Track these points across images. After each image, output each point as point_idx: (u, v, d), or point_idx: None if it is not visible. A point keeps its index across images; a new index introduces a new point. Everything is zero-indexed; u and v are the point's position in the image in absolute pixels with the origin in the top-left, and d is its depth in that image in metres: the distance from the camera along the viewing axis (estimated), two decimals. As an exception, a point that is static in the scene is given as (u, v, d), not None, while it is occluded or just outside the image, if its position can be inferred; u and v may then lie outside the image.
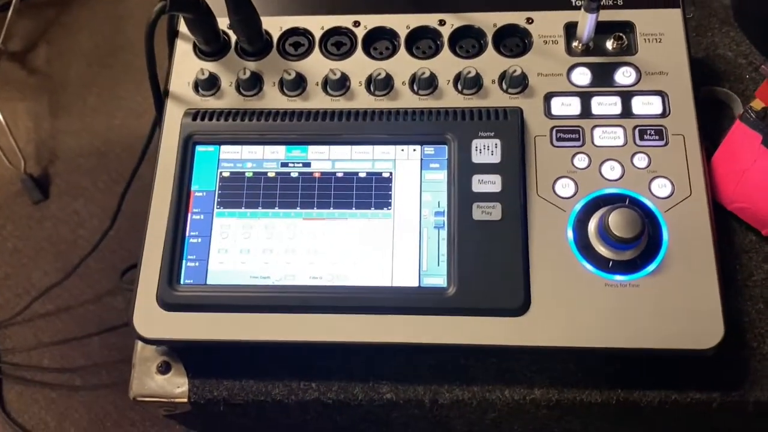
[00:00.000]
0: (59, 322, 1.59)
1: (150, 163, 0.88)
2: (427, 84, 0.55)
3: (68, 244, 1.67)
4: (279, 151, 0.54)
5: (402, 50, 0.58)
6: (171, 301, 0.51)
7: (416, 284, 0.50)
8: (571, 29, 0.57)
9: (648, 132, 0.53)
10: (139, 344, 0.54)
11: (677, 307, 0.48)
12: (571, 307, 0.49)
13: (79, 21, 1.97)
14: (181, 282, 0.51)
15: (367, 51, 0.58)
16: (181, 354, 0.53)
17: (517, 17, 0.57)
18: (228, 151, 0.54)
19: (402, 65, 0.57)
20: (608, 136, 0.53)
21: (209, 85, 0.57)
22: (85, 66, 1.89)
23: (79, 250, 1.65)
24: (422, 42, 0.58)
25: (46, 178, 1.75)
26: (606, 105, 0.54)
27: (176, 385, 0.52)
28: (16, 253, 1.68)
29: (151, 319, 0.51)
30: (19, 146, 1.73)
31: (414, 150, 0.53)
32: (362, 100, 0.56)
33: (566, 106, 0.54)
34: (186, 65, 0.58)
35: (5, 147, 1.72)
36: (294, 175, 0.53)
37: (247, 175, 0.54)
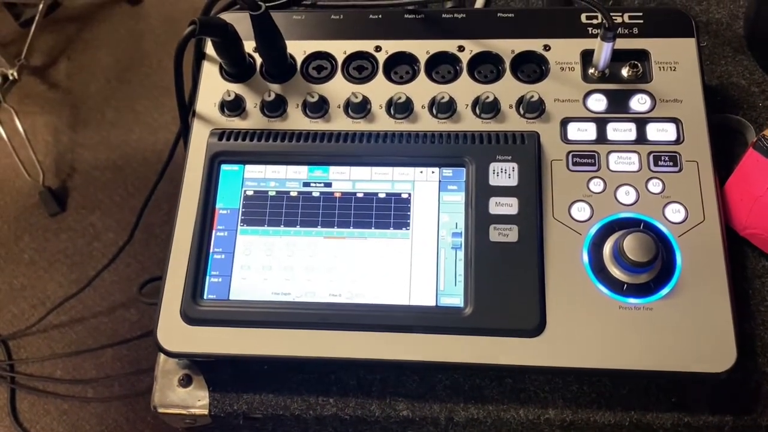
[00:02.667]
0: (73, 334, 1.61)
1: (165, 179, 0.90)
2: (446, 108, 0.57)
3: (83, 256, 1.69)
4: (301, 171, 0.56)
5: (422, 75, 0.59)
6: (194, 315, 0.52)
7: (433, 303, 0.51)
8: (587, 57, 0.58)
9: (662, 158, 0.54)
10: (162, 357, 0.55)
11: (690, 331, 0.49)
12: (586, 329, 0.49)
13: (99, 37, 2.01)
14: (205, 297, 0.53)
15: (387, 75, 0.60)
16: (203, 367, 0.55)
17: (534, 44, 0.59)
18: (252, 171, 0.56)
19: (422, 89, 0.58)
20: (623, 162, 0.54)
21: (235, 106, 0.58)
22: (104, 81, 1.93)
23: (94, 263, 1.67)
24: (441, 67, 0.60)
25: (64, 191, 1.78)
26: (621, 131, 0.55)
27: (197, 398, 0.54)
28: (32, 264, 1.70)
29: (174, 333, 0.52)
30: (38, 159, 1.76)
31: (432, 172, 0.55)
32: (383, 122, 0.57)
33: (582, 132, 0.55)
34: (212, 86, 0.60)
35: (25, 160, 1.75)
36: (315, 194, 0.55)
37: (270, 193, 0.55)
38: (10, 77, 1.82)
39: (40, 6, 1.87)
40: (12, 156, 1.75)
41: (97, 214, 1.74)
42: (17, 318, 1.64)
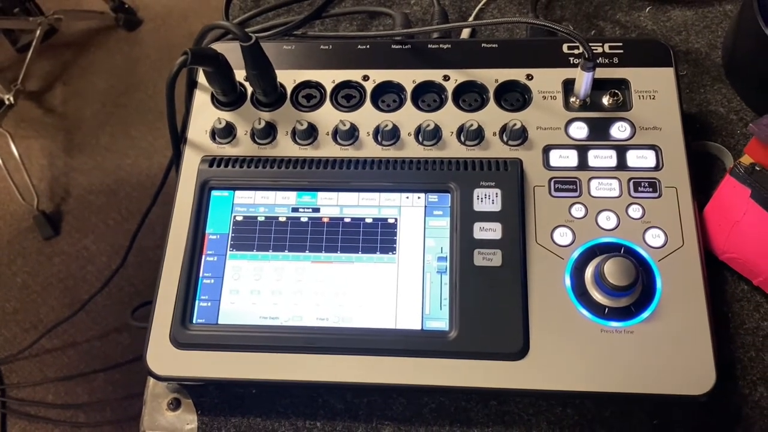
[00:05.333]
0: (65, 358, 1.60)
1: (159, 203, 0.91)
2: (431, 135, 0.58)
3: (76, 280, 1.70)
4: (290, 197, 0.57)
5: (408, 103, 0.60)
6: (183, 340, 0.53)
7: (419, 327, 0.52)
8: (568, 86, 0.59)
9: (642, 184, 0.55)
10: (151, 381, 0.56)
11: (670, 354, 0.50)
12: (568, 352, 0.50)
13: (95, 63, 2.03)
14: (194, 321, 0.53)
15: (375, 103, 0.61)
16: (192, 391, 0.55)
17: (517, 74, 0.60)
18: (242, 196, 0.57)
19: (408, 117, 0.60)
20: (604, 188, 0.55)
21: (226, 133, 0.60)
22: (100, 106, 1.95)
23: (87, 287, 1.68)
24: (427, 95, 0.61)
25: (58, 215, 1.79)
26: (602, 158, 0.56)
27: (186, 422, 0.54)
28: (25, 288, 1.70)
29: (163, 357, 0.53)
30: (33, 183, 1.77)
31: (418, 197, 0.56)
32: (370, 149, 0.59)
33: (564, 158, 0.57)
34: (204, 114, 0.61)
35: (20, 183, 1.76)
36: (304, 219, 0.56)
37: (259, 219, 0.56)
38: (6, 102, 1.84)
39: (37, 32, 1.90)
40: (7, 180, 1.76)
41: (91, 238, 1.75)
42: (9, 342, 1.64)
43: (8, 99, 1.83)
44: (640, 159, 0.56)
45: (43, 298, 1.69)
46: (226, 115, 0.61)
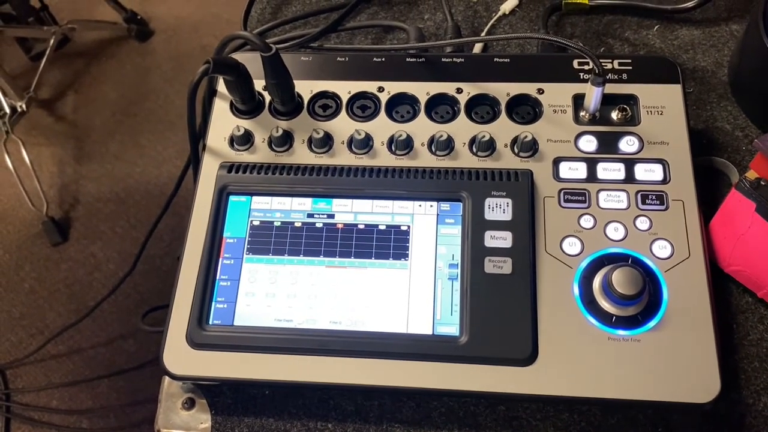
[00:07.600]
0: (70, 364, 1.61)
1: (168, 212, 0.92)
2: (444, 146, 0.60)
3: (83, 286, 1.71)
4: (306, 203, 0.58)
5: (422, 114, 0.62)
6: (199, 340, 0.54)
7: (430, 332, 0.53)
8: (578, 100, 0.61)
9: (650, 197, 0.56)
10: (166, 380, 0.57)
11: (676, 362, 0.51)
12: (576, 359, 0.51)
13: (106, 72, 2.05)
14: (210, 322, 0.55)
15: (389, 114, 0.63)
16: (206, 391, 0.56)
17: (529, 88, 0.62)
18: (259, 202, 0.58)
19: (422, 128, 0.61)
20: (612, 200, 0.57)
21: (244, 140, 0.61)
22: (110, 115, 1.97)
23: (94, 293, 1.69)
24: (441, 107, 0.63)
25: (67, 222, 1.80)
26: (610, 171, 0.58)
27: (200, 421, 0.55)
28: (32, 293, 1.71)
29: (179, 356, 0.54)
30: (42, 189, 1.79)
31: (431, 206, 0.57)
32: (384, 158, 0.60)
33: (573, 171, 0.58)
34: (223, 122, 0.63)
35: (30, 190, 1.78)
36: (319, 225, 0.57)
37: (275, 224, 0.58)
38: (19, 109, 1.86)
39: (51, 41, 1.92)
40: (17, 186, 1.78)
41: (99, 245, 1.76)
42: (15, 347, 1.65)
43: (20, 106, 1.85)
44: (647, 172, 0.58)
45: (49, 304, 1.70)
46: (245, 123, 0.63)
